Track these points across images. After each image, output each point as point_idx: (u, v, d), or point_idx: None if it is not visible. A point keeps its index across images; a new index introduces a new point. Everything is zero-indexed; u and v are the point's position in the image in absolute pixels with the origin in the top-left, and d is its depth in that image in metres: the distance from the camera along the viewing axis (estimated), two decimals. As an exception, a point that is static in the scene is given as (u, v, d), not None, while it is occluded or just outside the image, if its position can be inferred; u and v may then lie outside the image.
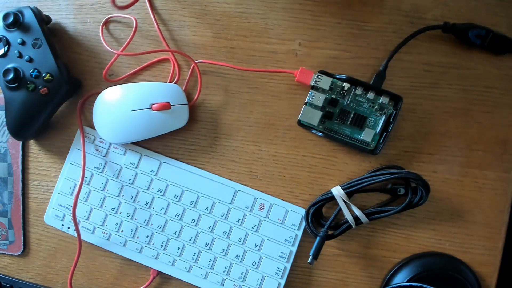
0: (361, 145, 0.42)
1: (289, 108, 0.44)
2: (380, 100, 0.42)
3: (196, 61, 0.44)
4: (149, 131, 0.44)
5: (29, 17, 0.42)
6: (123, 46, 0.44)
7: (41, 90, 0.42)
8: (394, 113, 0.42)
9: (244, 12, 0.44)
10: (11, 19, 0.42)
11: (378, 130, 0.42)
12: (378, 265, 0.43)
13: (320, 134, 0.43)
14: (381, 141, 0.42)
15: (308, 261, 0.40)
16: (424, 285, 0.40)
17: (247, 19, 0.44)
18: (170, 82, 0.45)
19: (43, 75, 0.42)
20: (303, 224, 0.43)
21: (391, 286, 0.42)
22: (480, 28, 0.41)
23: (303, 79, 0.42)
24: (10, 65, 0.42)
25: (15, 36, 0.42)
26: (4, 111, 0.47)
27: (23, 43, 0.42)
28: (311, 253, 0.40)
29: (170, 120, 0.43)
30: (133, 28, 0.44)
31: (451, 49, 0.43)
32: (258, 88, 0.44)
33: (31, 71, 0.42)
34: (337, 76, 0.42)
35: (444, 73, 0.43)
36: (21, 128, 0.43)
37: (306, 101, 0.42)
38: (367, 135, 0.42)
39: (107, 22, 0.46)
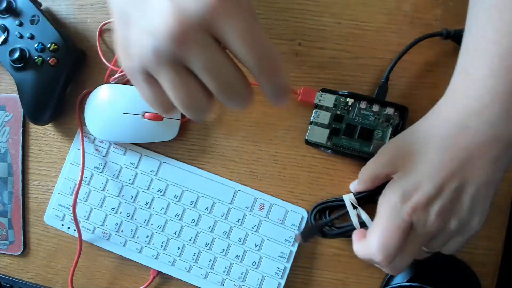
0: (369, 157, 0.42)
1: (289, 108, 0.44)
2: (385, 112, 0.42)
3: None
4: (136, 137, 0.44)
5: (21, 1, 0.43)
6: (115, 57, 0.45)
7: (50, 61, 0.42)
8: (401, 123, 0.41)
9: (244, 12, 0.44)
10: (4, 5, 0.42)
11: (386, 141, 0.42)
12: (378, 265, 0.43)
13: (329, 151, 0.43)
14: None
15: (295, 238, 0.41)
16: (424, 285, 0.40)
17: (247, 19, 0.44)
18: None
19: (48, 46, 0.42)
20: (303, 224, 0.43)
21: (391, 286, 0.42)
22: None
23: (306, 98, 0.42)
24: (14, 47, 0.42)
25: (11, 21, 0.43)
26: (4, 111, 0.47)
27: (20, 24, 0.43)
28: (300, 232, 0.40)
29: (159, 131, 0.44)
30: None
31: (451, 50, 0.43)
32: (259, 88, 0.44)
33: (35, 46, 0.42)
34: (340, 93, 0.42)
35: (444, 73, 0.43)
36: (39, 108, 0.44)
37: (311, 120, 0.42)
38: (376, 148, 0.42)
39: (104, 25, 0.46)
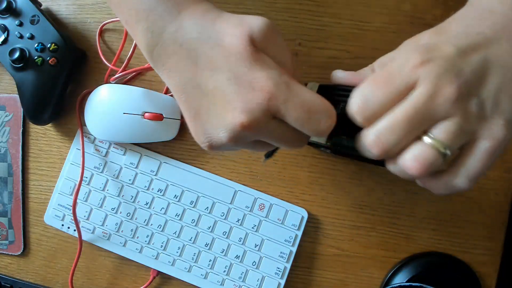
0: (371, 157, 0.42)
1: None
2: None
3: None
4: (135, 137, 0.44)
5: (21, 1, 0.43)
6: (115, 57, 0.45)
7: (49, 61, 0.42)
8: None
9: (244, 13, 0.44)
10: (4, 5, 0.42)
11: None
12: (378, 265, 0.44)
13: (328, 151, 0.43)
14: None
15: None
16: (424, 285, 0.40)
17: (247, 19, 0.44)
18: (166, 93, 0.45)
19: (48, 46, 0.42)
20: (303, 224, 0.43)
21: (391, 286, 0.42)
22: None
23: None
24: (14, 47, 0.42)
25: (11, 21, 0.43)
26: (4, 111, 0.47)
27: (20, 24, 0.43)
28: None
29: (159, 131, 0.44)
30: (123, 35, 0.44)
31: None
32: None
33: (35, 46, 0.42)
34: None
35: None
36: (39, 108, 0.44)
37: None
38: None
39: (104, 25, 0.46)
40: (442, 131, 0.25)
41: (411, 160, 0.26)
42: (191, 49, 0.27)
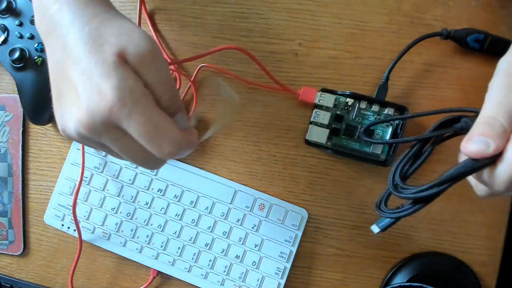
0: (371, 158, 0.42)
1: (289, 108, 0.44)
2: (385, 112, 0.41)
3: (200, 66, 0.44)
4: None
5: (21, 1, 0.43)
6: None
7: None
8: (401, 123, 0.41)
9: (244, 13, 0.44)
10: (4, 5, 0.42)
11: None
12: (378, 265, 0.44)
13: (329, 151, 0.43)
14: (391, 152, 0.42)
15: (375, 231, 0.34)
16: (424, 285, 0.40)
17: (247, 19, 0.44)
18: None
19: None
20: (303, 224, 0.43)
21: (391, 286, 0.42)
22: (478, 32, 0.41)
23: (306, 98, 0.42)
24: (14, 46, 0.42)
25: (11, 21, 0.43)
26: (4, 111, 0.47)
27: (20, 24, 0.43)
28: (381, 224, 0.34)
29: None
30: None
31: (451, 50, 0.43)
32: (259, 88, 0.44)
33: (35, 46, 0.42)
34: (340, 93, 0.42)
35: (444, 73, 0.43)
36: (39, 108, 0.44)
37: (311, 120, 0.42)
38: (376, 148, 0.42)
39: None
40: None
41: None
42: (64, 34, 0.27)
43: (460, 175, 0.29)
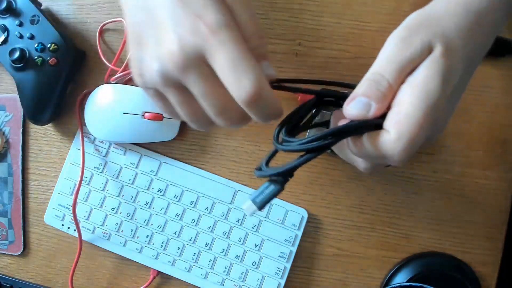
0: None
1: (288, 108, 0.44)
2: None
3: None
4: (136, 137, 0.44)
5: (21, 1, 0.43)
6: (115, 57, 0.45)
7: (49, 61, 0.42)
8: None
9: (244, 12, 0.44)
10: (4, 5, 0.42)
11: None
12: (378, 265, 0.44)
13: (329, 151, 0.42)
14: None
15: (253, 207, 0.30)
16: (424, 285, 0.40)
17: (247, 19, 0.44)
18: None
19: (48, 46, 0.42)
20: (303, 224, 0.43)
21: (391, 286, 0.42)
22: None
23: (306, 98, 0.42)
24: (14, 47, 0.42)
25: (11, 21, 0.43)
26: (4, 111, 0.47)
27: (20, 24, 0.43)
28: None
29: (159, 131, 0.44)
30: (124, 35, 0.44)
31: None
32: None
33: (35, 46, 0.42)
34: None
35: (444, 73, 0.43)
36: (39, 108, 0.44)
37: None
38: None
39: (104, 25, 0.46)
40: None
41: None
42: None
43: (343, 131, 0.28)
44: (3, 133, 0.47)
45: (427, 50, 0.27)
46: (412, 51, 0.27)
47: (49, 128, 0.47)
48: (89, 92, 0.45)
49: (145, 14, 0.27)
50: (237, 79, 0.25)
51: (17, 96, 0.45)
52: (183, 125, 0.45)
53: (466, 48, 0.28)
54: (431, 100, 0.26)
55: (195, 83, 0.26)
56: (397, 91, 0.28)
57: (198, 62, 0.26)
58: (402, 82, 0.28)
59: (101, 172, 0.45)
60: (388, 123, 0.27)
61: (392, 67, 0.28)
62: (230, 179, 0.44)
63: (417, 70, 0.27)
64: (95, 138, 0.45)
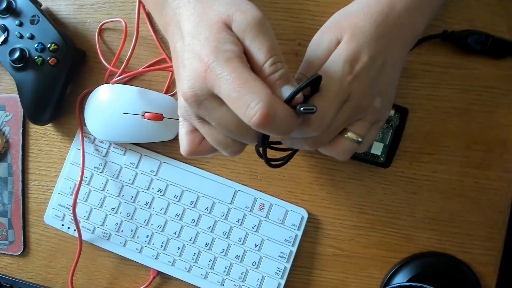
0: (371, 159, 0.42)
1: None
2: None
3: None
4: (136, 137, 0.44)
5: (21, 1, 0.43)
6: (115, 58, 0.45)
7: (49, 61, 0.42)
8: (401, 125, 0.41)
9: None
10: (4, 5, 0.43)
11: (386, 143, 0.42)
12: (378, 265, 0.44)
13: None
14: (391, 154, 0.42)
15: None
16: (424, 285, 0.40)
17: (247, 19, 0.44)
18: (166, 93, 0.45)
19: (48, 46, 0.42)
20: (303, 224, 0.43)
21: (391, 286, 0.42)
22: (479, 33, 0.41)
23: None
24: (14, 47, 0.42)
25: (11, 21, 0.43)
26: (4, 111, 0.47)
27: (20, 24, 0.43)
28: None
29: (159, 131, 0.44)
30: (123, 35, 0.44)
31: (451, 50, 0.43)
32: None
33: (35, 46, 0.42)
34: None
35: (444, 73, 0.43)
36: (39, 108, 0.44)
37: None
38: (376, 149, 0.41)
39: (104, 25, 0.46)
40: (359, 128, 0.33)
41: (342, 153, 0.34)
42: (178, 19, 0.30)
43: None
44: (3, 133, 0.47)
45: (335, 45, 0.32)
46: (321, 49, 0.32)
47: (49, 128, 0.47)
48: (89, 92, 0.45)
49: (175, 54, 0.30)
50: (243, 106, 0.25)
51: (17, 96, 0.45)
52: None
53: (378, 28, 0.31)
54: (335, 81, 0.30)
55: (207, 115, 0.28)
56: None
57: (207, 97, 0.27)
58: None
59: (101, 172, 0.45)
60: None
61: (309, 66, 0.32)
62: (230, 179, 0.44)
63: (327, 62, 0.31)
64: (95, 138, 0.45)
